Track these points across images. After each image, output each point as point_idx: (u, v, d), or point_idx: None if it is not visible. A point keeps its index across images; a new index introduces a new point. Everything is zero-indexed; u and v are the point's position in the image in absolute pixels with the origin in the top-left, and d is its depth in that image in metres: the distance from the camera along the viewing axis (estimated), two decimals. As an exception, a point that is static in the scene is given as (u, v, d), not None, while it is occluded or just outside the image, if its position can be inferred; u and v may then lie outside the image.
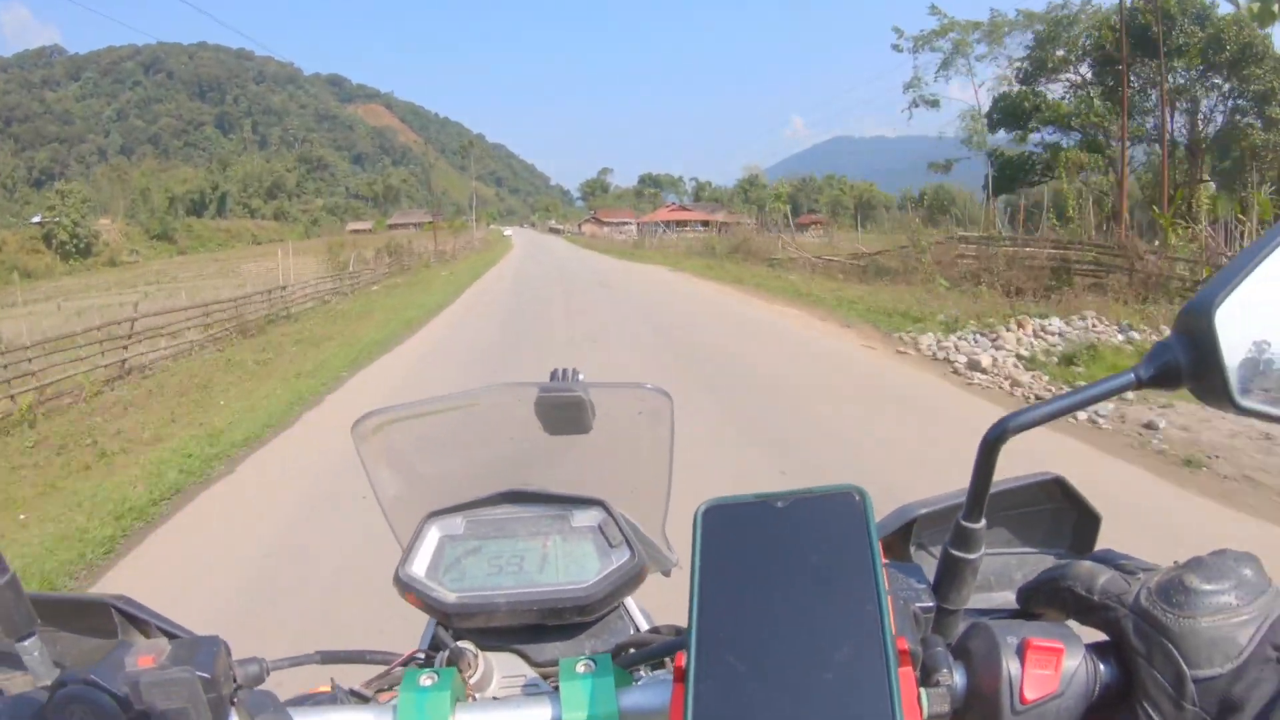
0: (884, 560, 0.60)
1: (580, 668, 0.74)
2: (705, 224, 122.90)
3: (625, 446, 1.07)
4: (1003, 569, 0.85)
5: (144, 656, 0.66)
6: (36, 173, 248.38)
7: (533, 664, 0.90)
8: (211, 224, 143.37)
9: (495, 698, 0.82)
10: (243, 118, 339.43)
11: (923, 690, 0.61)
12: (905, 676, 0.55)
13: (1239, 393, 0.60)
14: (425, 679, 0.73)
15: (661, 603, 1.11)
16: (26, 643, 0.74)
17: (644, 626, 0.97)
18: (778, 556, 0.59)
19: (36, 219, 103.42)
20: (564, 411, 1.01)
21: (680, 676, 0.56)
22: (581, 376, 1.05)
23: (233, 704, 0.68)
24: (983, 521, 0.67)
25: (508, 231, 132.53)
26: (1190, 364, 0.61)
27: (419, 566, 0.95)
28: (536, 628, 0.91)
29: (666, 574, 1.09)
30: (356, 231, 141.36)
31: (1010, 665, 0.60)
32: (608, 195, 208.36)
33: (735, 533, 0.61)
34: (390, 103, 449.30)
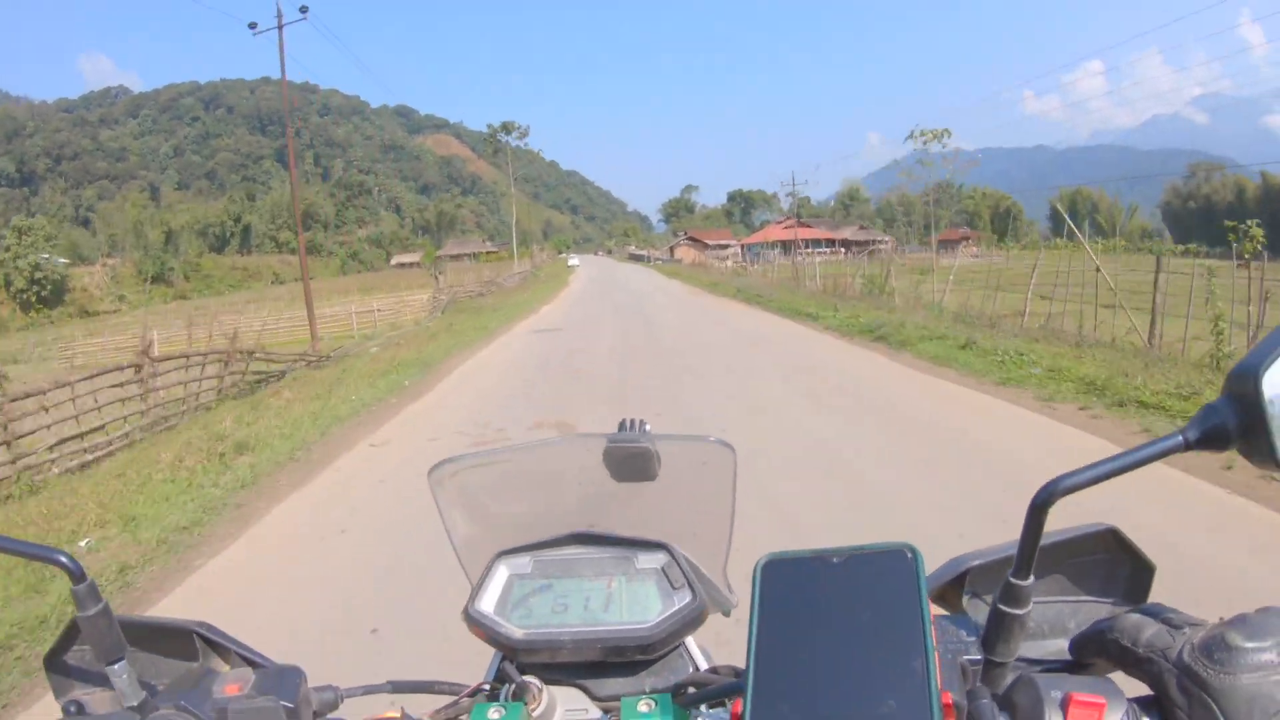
0: (934, 613, 0.62)
1: (642, 706, 0.75)
2: (832, 243, 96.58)
3: (689, 493, 1.09)
4: (1056, 617, 0.86)
5: (230, 685, 0.67)
6: (84, 210, 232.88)
7: (594, 699, 0.92)
8: (227, 261, 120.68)
9: None
10: (304, 150, 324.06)
11: None
12: None
13: None
14: (493, 713, 0.74)
15: (722, 639, 1.13)
16: (116, 666, 0.77)
17: (703, 665, 0.98)
18: (832, 611, 0.60)
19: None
20: (631, 461, 1.03)
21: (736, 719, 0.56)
22: (649, 428, 1.06)
23: None
24: (1031, 579, 0.68)
25: (574, 261, 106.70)
26: (1239, 426, 0.62)
27: (488, 603, 0.97)
28: (599, 664, 0.93)
29: (726, 614, 1.09)
30: (402, 265, 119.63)
31: (1053, 718, 0.62)
32: (694, 215, 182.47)
33: (793, 586, 0.63)
34: (460, 132, 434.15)
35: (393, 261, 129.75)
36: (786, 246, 73.50)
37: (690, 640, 1.00)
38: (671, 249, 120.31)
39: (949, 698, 0.59)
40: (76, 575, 0.75)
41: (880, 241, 53.64)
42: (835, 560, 0.63)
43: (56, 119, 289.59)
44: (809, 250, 69.89)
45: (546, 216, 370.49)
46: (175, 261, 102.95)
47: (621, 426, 1.07)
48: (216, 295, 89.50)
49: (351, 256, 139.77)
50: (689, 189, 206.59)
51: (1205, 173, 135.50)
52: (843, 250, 65.84)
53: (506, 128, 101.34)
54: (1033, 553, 0.66)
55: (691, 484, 1.07)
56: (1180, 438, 0.63)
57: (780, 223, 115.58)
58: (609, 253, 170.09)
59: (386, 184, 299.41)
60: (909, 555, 0.62)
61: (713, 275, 52.87)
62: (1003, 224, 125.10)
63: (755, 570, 0.64)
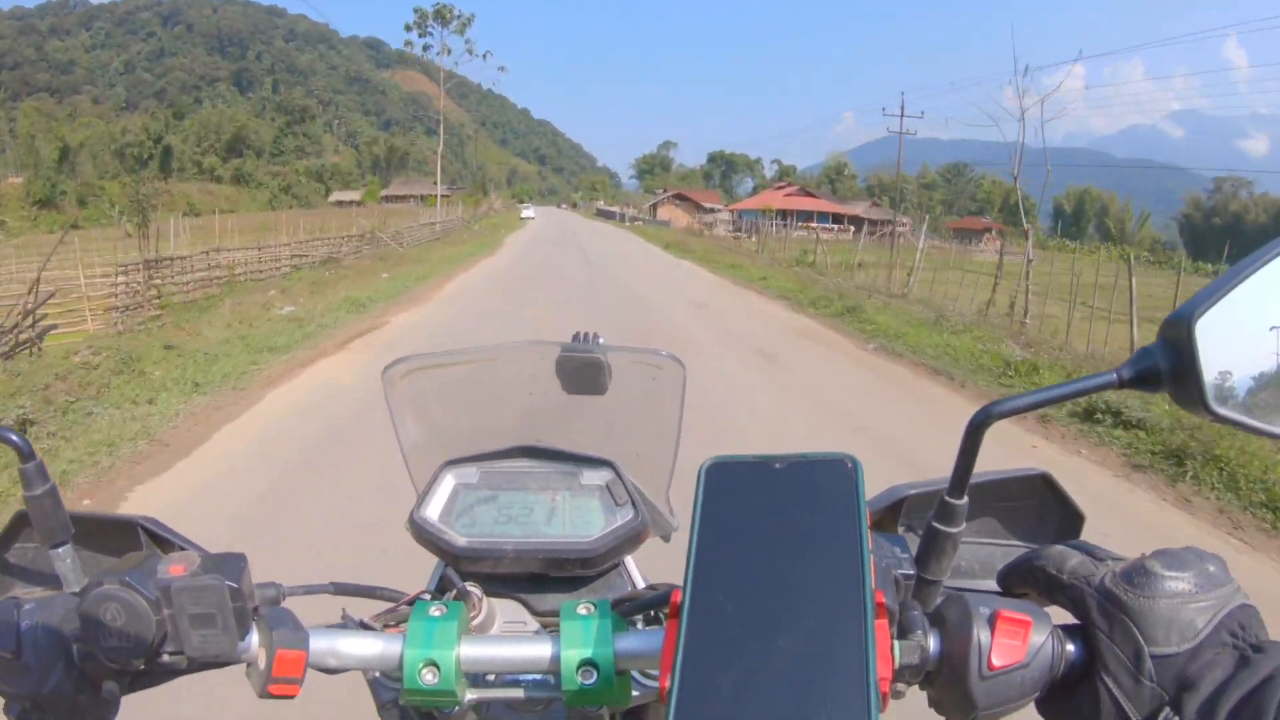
0: (870, 526, 0.65)
1: (581, 610, 0.76)
2: (840, 218, 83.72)
3: (637, 410, 1.10)
4: (987, 558, 0.88)
5: (175, 566, 0.68)
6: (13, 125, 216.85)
7: (534, 613, 0.93)
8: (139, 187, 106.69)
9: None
10: (264, 75, 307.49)
11: (896, 642, 0.66)
12: (881, 628, 0.59)
13: (1213, 400, 0.64)
14: (434, 610, 0.76)
15: (658, 566, 1.13)
16: (60, 550, 0.77)
17: (640, 584, 1.00)
18: (772, 512, 0.62)
19: None
20: (583, 372, 1.04)
21: (675, 612, 0.59)
22: (602, 340, 1.08)
23: (254, 618, 0.71)
24: (965, 499, 0.70)
25: (529, 213, 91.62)
26: (1170, 370, 0.65)
27: (432, 511, 0.98)
28: (539, 578, 0.94)
29: (666, 539, 1.10)
30: (342, 204, 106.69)
31: (981, 634, 0.64)
32: (670, 174, 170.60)
33: (735, 489, 0.64)
34: (430, 69, 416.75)
35: (331, 198, 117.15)
36: (785, 217, 62.24)
37: (630, 560, 1.02)
38: (654, 207, 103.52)
39: (882, 597, 0.61)
40: (25, 453, 0.75)
41: (895, 224, 44.27)
42: (778, 466, 0.65)
43: (1, 26, 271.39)
44: (814, 225, 58.49)
45: (513, 164, 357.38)
46: (70, 184, 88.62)
47: (576, 338, 1.08)
48: (113, 226, 76.20)
49: (284, 190, 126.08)
50: (667, 145, 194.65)
51: (1233, 187, 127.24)
52: (852, 230, 54.90)
53: (442, 14, 74.93)
54: (967, 473, 0.68)
55: (640, 400, 1.08)
56: (1115, 375, 0.66)
57: (780, 188, 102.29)
58: (574, 206, 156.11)
59: (347, 116, 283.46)
60: (849, 465, 0.64)
61: (745, 255, 34.89)
62: (1013, 217, 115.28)
63: (700, 471, 0.65)
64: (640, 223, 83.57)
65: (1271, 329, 0.66)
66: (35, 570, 0.88)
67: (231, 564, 0.70)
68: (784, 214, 68.19)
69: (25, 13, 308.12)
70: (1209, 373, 0.63)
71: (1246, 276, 0.64)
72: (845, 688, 0.52)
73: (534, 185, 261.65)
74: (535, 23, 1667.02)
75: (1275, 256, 0.64)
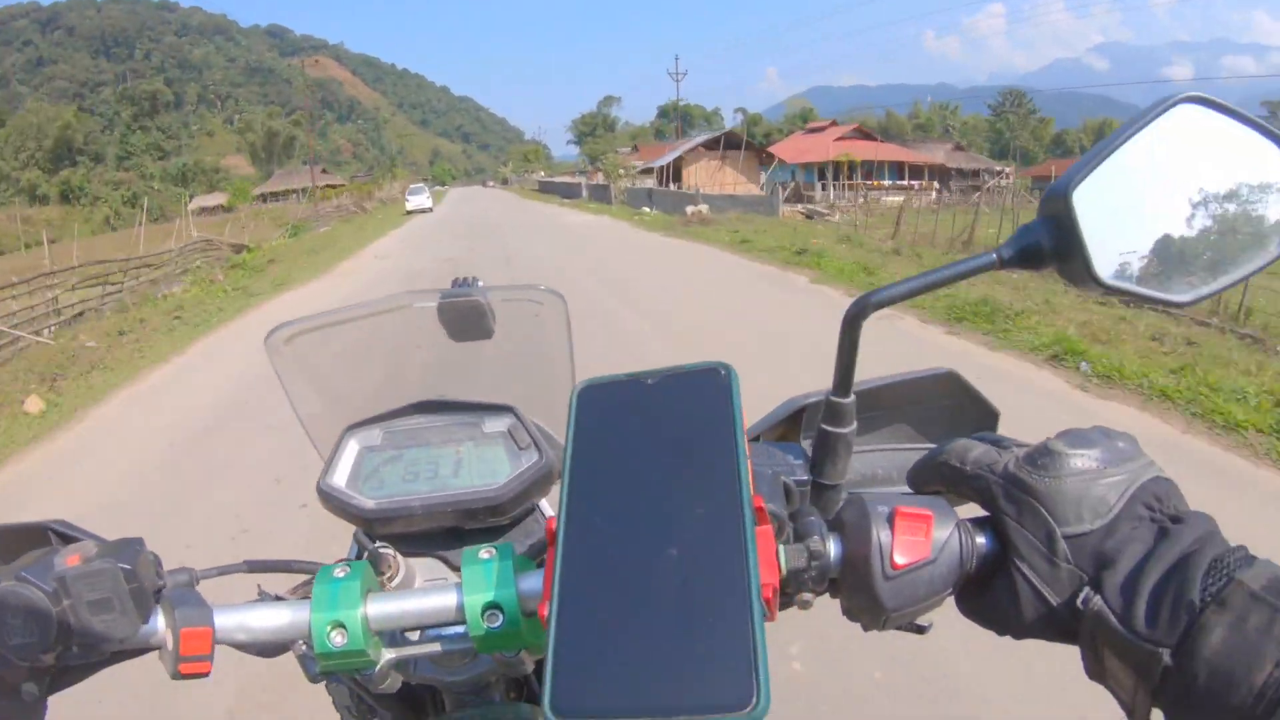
0: (759, 438, 0.63)
1: (483, 554, 0.76)
2: (919, 171, 58.77)
3: (528, 351, 1.10)
4: (903, 463, 0.86)
5: (71, 556, 0.67)
6: None
7: (452, 568, 0.93)
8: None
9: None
10: (153, 74, 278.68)
11: (781, 547, 0.65)
12: (764, 534, 0.59)
13: (1100, 271, 0.64)
14: (338, 571, 0.75)
15: None
16: None
17: None
18: (646, 429, 0.61)
19: None
20: (465, 317, 1.04)
21: (552, 540, 0.58)
22: (480, 283, 1.07)
23: (156, 600, 0.70)
24: (852, 397, 0.70)
25: (418, 202, 51.97)
26: (1053, 245, 0.65)
27: (339, 478, 0.97)
28: (455, 532, 0.94)
29: None
30: (205, 210, 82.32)
31: (881, 533, 0.63)
32: (615, 135, 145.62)
33: (608, 409, 0.63)
34: (340, 55, 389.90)
35: (192, 205, 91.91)
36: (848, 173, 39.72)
37: (545, 504, 1.01)
38: (670, 168, 55.57)
39: (760, 502, 0.60)
40: None
41: (996, 173, 27.24)
42: (650, 381, 0.64)
43: None
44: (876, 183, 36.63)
45: (434, 145, 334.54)
46: None
47: (454, 283, 1.08)
48: None
49: (128, 202, 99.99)
50: (609, 100, 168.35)
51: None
52: (936, 188, 34.20)
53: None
54: (850, 368, 0.68)
55: (528, 339, 1.09)
56: (994, 256, 0.66)
57: (822, 129, 68.89)
58: (504, 183, 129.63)
59: (247, 109, 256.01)
60: (722, 372, 0.63)
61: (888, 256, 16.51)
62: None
63: (571, 395, 0.65)
64: (647, 211, 37.66)
65: (1146, 194, 0.66)
66: None
67: (128, 547, 0.69)
68: (838, 168, 45.49)
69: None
70: (1092, 244, 0.64)
71: (1119, 145, 0.64)
72: (727, 597, 0.51)
73: (460, 165, 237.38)
74: None
75: (1147, 124, 0.64)
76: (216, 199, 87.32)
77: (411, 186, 63.35)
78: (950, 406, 0.90)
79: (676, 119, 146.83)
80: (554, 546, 0.57)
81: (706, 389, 0.62)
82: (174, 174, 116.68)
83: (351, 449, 1.00)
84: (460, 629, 0.75)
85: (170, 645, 0.70)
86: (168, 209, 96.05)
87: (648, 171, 56.91)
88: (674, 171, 55.86)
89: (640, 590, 0.53)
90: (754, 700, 0.47)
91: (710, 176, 55.15)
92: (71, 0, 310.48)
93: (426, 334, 1.06)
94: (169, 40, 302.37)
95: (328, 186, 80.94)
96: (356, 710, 1.03)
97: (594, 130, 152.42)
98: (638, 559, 0.54)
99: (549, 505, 1.02)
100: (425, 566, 0.92)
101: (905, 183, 54.73)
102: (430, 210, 51.02)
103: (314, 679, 0.82)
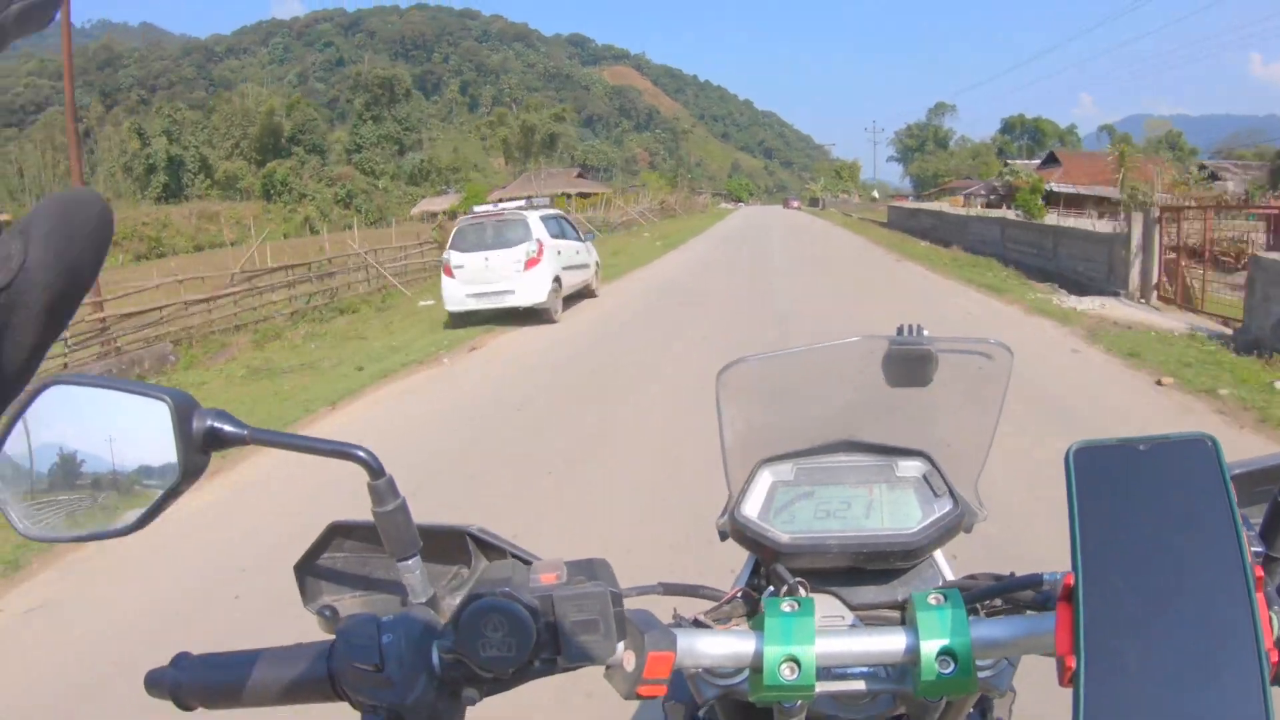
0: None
1: (932, 600, 0.76)
2: None
3: (956, 399, 1.08)
4: None
5: (546, 575, 0.71)
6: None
7: (848, 606, 0.93)
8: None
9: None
10: (450, 77, 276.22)
11: (1273, 612, 0.66)
12: (1261, 600, 0.59)
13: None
14: (786, 606, 0.77)
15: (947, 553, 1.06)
16: (409, 562, 0.79)
17: (950, 576, 0.99)
18: (1143, 494, 0.62)
19: None
20: (909, 364, 1.02)
21: (1065, 595, 0.62)
22: (926, 332, 1.06)
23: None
24: None
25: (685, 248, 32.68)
26: None
27: (751, 509, 0.99)
28: (852, 572, 0.95)
29: (968, 530, 1.06)
30: (428, 215, 64.28)
31: None
32: (949, 153, 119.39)
33: (1104, 472, 0.64)
34: (641, 64, 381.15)
35: (417, 209, 74.55)
36: None
37: (938, 553, 1.01)
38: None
39: (1260, 571, 0.62)
40: (375, 470, 0.77)
41: None
42: (1141, 448, 0.64)
43: (173, 49, 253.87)
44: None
45: (734, 158, 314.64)
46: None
47: (899, 331, 1.06)
48: None
49: (341, 201, 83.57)
50: (940, 108, 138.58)
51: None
52: None
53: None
54: None
55: (961, 389, 1.07)
56: None
57: None
58: (814, 204, 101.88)
59: (394, 73, 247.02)
60: (1209, 444, 0.63)
61: None
62: None
63: (1067, 457, 0.65)
64: None
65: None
66: (350, 575, 0.92)
67: (603, 568, 0.72)
68: None
69: (219, 39, 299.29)
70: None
71: None
72: (1240, 657, 0.54)
73: (760, 180, 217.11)
74: (753, 10, 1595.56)
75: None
76: (444, 202, 68.67)
77: (737, 205, 49.37)
78: None
79: (1023, 135, 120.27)
80: (1066, 602, 0.62)
81: (1195, 458, 0.63)
82: (407, 171, 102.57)
83: (764, 481, 1.01)
84: (892, 670, 0.78)
85: (631, 667, 0.72)
86: (389, 211, 79.74)
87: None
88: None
89: (1160, 647, 0.55)
90: None
91: None
92: (376, 6, 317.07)
93: (863, 377, 1.04)
94: (467, 45, 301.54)
95: (579, 195, 61.66)
96: None
97: (922, 145, 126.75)
98: (1155, 618, 0.57)
99: (940, 555, 1.01)
100: (822, 602, 0.91)
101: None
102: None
103: (630, 697, 0.79)
